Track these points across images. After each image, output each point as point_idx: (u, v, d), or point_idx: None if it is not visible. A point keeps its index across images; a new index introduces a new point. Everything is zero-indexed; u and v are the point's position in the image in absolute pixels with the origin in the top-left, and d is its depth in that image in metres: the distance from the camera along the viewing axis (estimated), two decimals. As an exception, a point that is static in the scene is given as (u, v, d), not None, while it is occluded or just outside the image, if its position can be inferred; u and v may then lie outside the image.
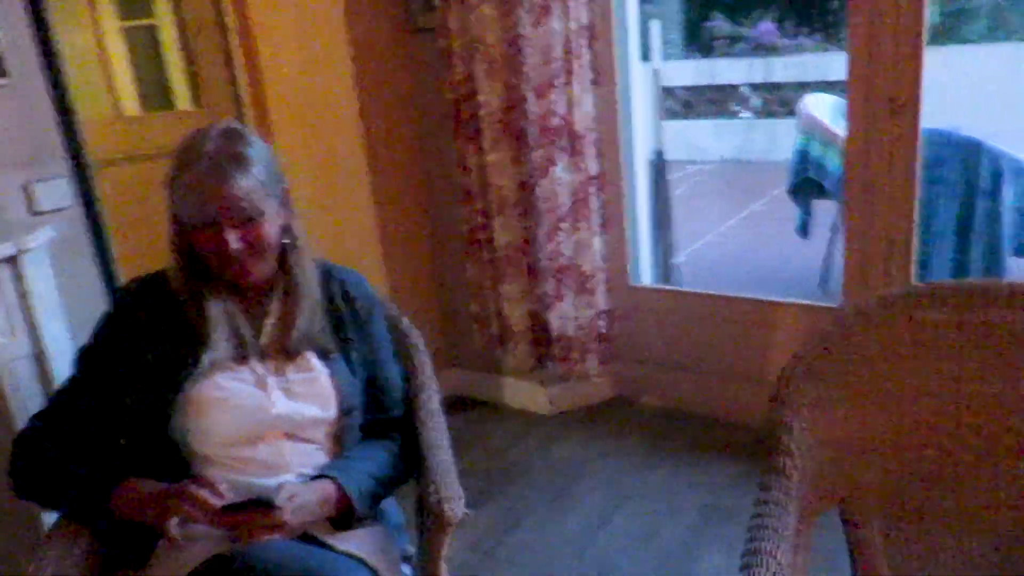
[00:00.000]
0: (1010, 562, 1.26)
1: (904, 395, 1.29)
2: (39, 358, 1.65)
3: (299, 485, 1.29)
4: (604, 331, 2.75)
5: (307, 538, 1.27)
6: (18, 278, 1.58)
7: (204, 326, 1.37)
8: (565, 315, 2.68)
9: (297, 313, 1.43)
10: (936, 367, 1.26)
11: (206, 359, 1.34)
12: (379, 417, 1.50)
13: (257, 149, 1.37)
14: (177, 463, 1.31)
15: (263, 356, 1.41)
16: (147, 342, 1.37)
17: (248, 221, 1.34)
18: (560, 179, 2.55)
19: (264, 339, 1.42)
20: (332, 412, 1.41)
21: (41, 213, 1.93)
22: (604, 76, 2.58)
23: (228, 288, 1.41)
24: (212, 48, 2.93)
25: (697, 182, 7.76)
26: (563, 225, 2.59)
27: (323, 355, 1.43)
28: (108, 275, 2.17)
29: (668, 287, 3.20)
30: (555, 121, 2.50)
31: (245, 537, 1.18)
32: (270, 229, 1.38)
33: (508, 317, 2.76)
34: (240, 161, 1.32)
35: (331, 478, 1.32)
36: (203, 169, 1.30)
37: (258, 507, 1.18)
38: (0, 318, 1.56)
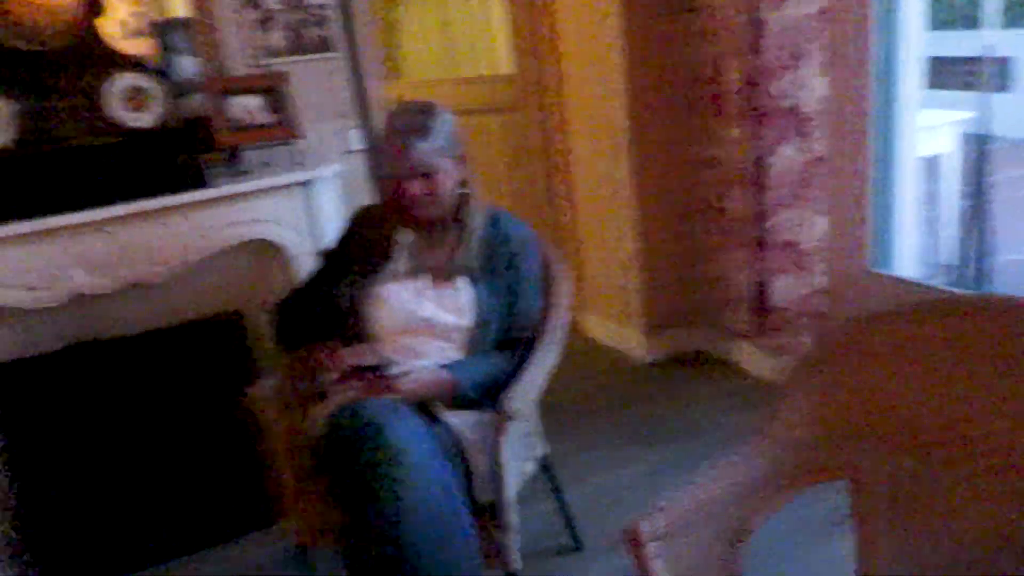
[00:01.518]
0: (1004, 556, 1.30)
1: (911, 393, 1.37)
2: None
3: (419, 366, 1.79)
4: (823, 310, 2.81)
5: (423, 407, 1.77)
6: (309, 196, 2.29)
7: (391, 247, 1.92)
8: (783, 288, 2.80)
9: (460, 247, 1.91)
10: (937, 374, 1.33)
11: (387, 271, 1.89)
12: (511, 334, 1.93)
13: (439, 121, 1.84)
14: (359, 336, 1.89)
15: (427, 274, 1.92)
16: (357, 251, 1.95)
17: (425, 175, 1.83)
18: (788, 158, 2.66)
19: (431, 263, 1.92)
20: (467, 322, 1.87)
21: (351, 152, 2.65)
22: (848, 57, 2.59)
23: (414, 222, 1.94)
24: (521, 20, 3.48)
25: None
26: (787, 202, 2.70)
27: (471, 280, 1.90)
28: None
29: (924, 282, 3.07)
30: (787, 102, 2.61)
31: (366, 392, 1.72)
32: (444, 181, 1.86)
33: (733, 283, 2.96)
34: (422, 130, 1.81)
35: (448, 368, 1.79)
36: (395, 134, 1.82)
37: (378, 374, 1.70)
38: (296, 222, 2.28)
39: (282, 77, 2.37)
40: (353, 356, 1.75)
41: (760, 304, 2.90)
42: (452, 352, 1.88)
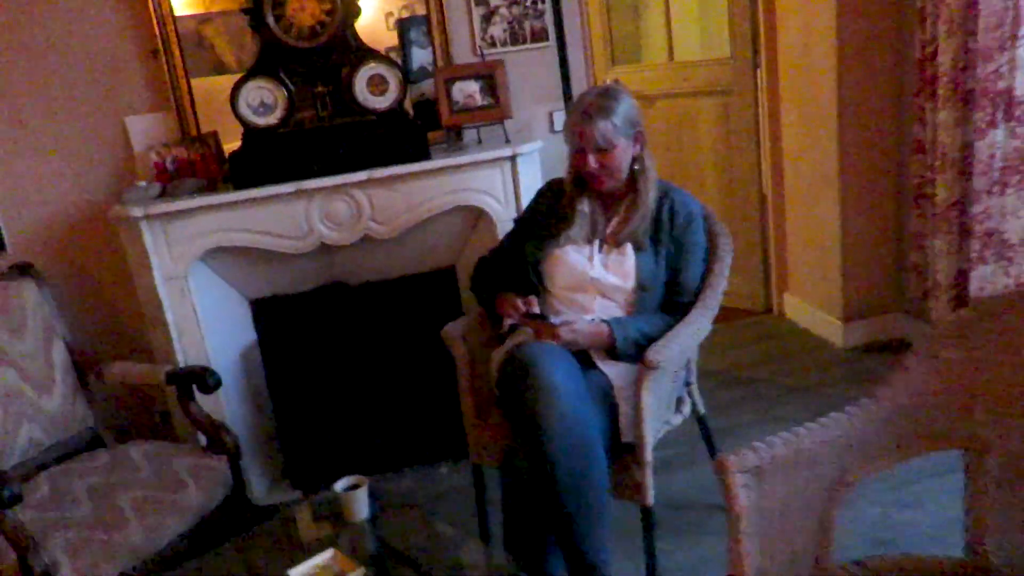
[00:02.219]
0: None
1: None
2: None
3: (581, 320, 2.05)
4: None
5: (584, 354, 2.04)
6: (513, 170, 2.61)
7: (572, 215, 2.19)
8: (984, 278, 2.70)
9: (631, 218, 2.15)
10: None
11: (565, 236, 2.17)
12: (672, 298, 2.13)
13: (621, 103, 2.08)
14: (539, 291, 2.19)
15: (601, 241, 2.17)
16: (543, 217, 2.25)
17: (602, 150, 2.08)
18: (996, 144, 2.56)
19: (605, 230, 2.17)
20: (630, 285, 2.10)
21: (556, 132, 2.94)
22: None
23: (595, 194, 2.19)
24: (741, 8, 3.57)
25: None
26: (994, 189, 2.61)
27: (637, 247, 2.12)
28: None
29: None
30: (999, 85, 2.51)
31: (536, 336, 2.01)
32: (619, 157, 2.10)
33: (936, 271, 2.88)
34: (602, 110, 2.06)
35: (608, 323, 2.04)
36: (579, 113, 2.08)
37: (545, 321, 1.99)
38: (500, 192, 2.62)
39: (498, 65, 2.71)
40: (527, 306, 2.05)
41: (960, 294, 2.81)
42: (616, 310, 2.12)
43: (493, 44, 2.84)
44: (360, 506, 1.66)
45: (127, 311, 2.71)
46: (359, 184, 2.55)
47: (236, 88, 2.48)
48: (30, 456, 2.32)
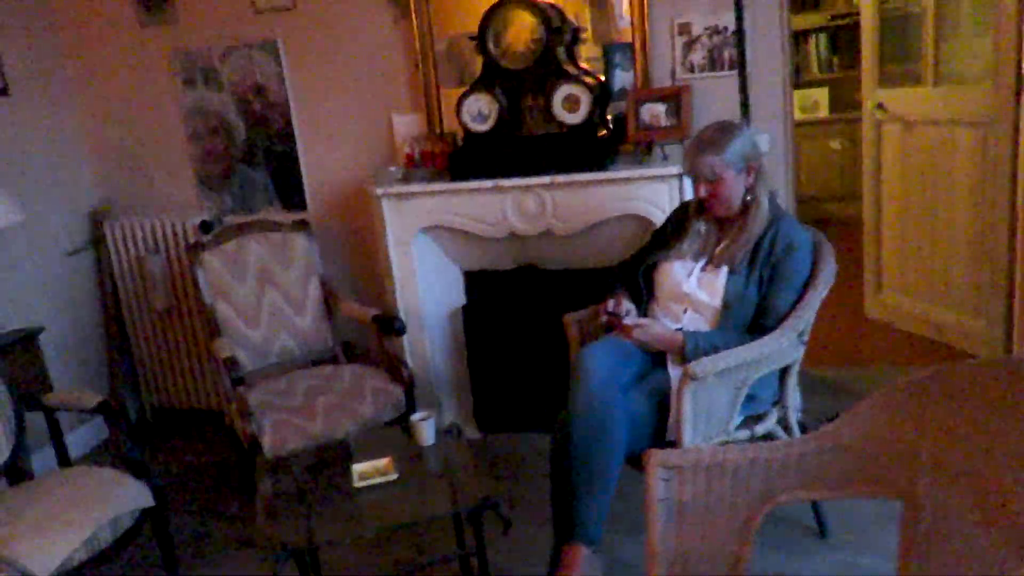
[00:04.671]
0: None
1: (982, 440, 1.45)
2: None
3: (658, 324, 2.32)
4: None
5: (659, 354, 2.32)
6: (680, 186, 2.88)
7: (686, 233, 2.46)
8: None
9: (737, 242, 2.36)
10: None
11: (676, 249, 2.45)
12: (759, 321, 2.31)
13: (734, 138, 2.31)
14: (642, 296, 2.50)
15: (708, 259, 2.40)
16: (669, 232, 2.54)
17: (710, 181, 2.32)
18: None
19: (712, 250, 2.40)
20: (716, 302, 2.32)
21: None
22: None
23: (712, 217, 2.43)
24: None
25: None
26: None
27: (731, 269, 2.33)
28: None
29: None
30: None
31: (615, 332, 2.34)
32: (728, 188, 2.32)
33: None
34: (713, 144, 2.30)
35: (685, 332, 2.29)
36: (693, 146, 2.35)
37: (621, 319, 2.31)
38: (667, 204, 2.91)
39: (685, 89, 2.98)
40: (616, 306, 2.38)
41: None
42: (701, 323, 2.36)
43: (692, 70, 3.10)
44: (428, 433, 2.19)
45: (373, 264, 3.50)
46: (544, 186, 3.02)
47: (461, 99, 3.09)
48: (284, 359, 3.22)
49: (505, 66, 3.04)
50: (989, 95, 3.47)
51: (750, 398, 2.32)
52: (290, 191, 3.68)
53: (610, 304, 2.40)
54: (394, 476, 2.01)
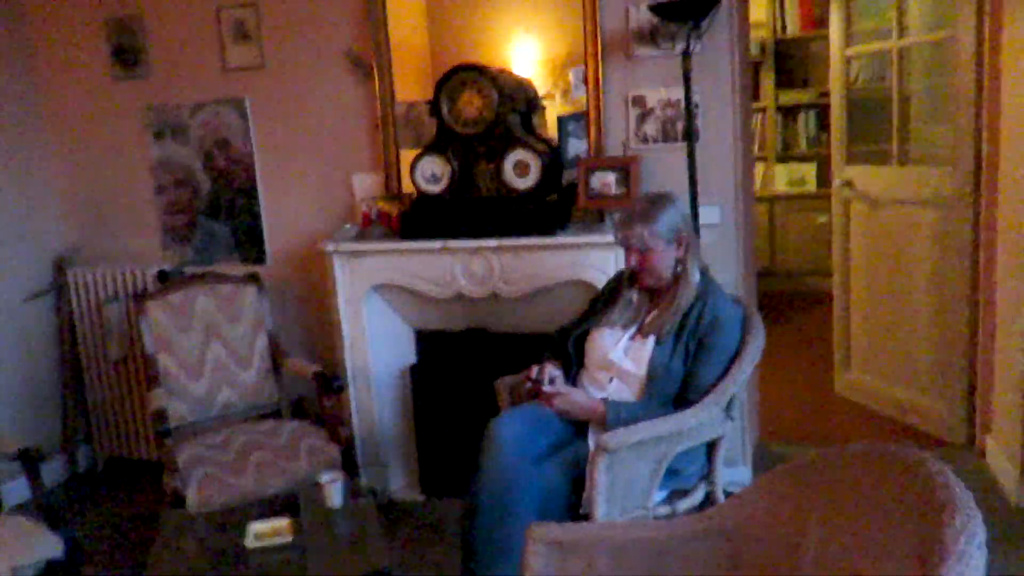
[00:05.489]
0: None
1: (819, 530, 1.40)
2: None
3: (579, 393, 2.28)
4: None
5: (582, 423, 2.27)
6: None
7: (616, 301, 2.44)
8: None
9: (663, 315, 2.33)
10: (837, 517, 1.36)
11: (606, 318, 2.43)
12: (683, 394, 2.26)
13: (664, 211, 2.31)
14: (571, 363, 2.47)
15: (637, 329, 2.38)
16: (603, 300, 2.52)
17: (641, 252, 2.31)
18: None
19: (641, 319, 2.38)
20: (641, 372, 2.29)
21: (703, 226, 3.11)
22: None
23: (644, 287, 2.41)
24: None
25: None
26: None
27: (657, 341, 2.30)
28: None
29: None
30: None
31: (536, 399, 2.30)
32: (656, 259, 2.31)
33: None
34: (644, 215, 2.30)
35: (608, 403, 2.25)
36: (624, 217, 2.35)
37: (542, 387, 2.27)
38: (613, 271, 2.89)
39: (634, 160, 3.00)
40: (538, 372, 2.35)
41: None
42: (627, 393, 2.33)
43: (645, 140, 3.12)
44: (335, 496, 2.14)
45: (328, 321, 3.48)
46: (492, 249, 3.03)
47: (415, 161, 3.12)
48: (226, 412, 3.18)
49: (458, 131, 3.07)
50: (949, 177, 3.47)
51: (674, 472, 2.27)
52: (251, 244, 3.69)
53: (534, 371, 2.37)
54: (288, 539, 1.96)
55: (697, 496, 2.35)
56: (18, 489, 3.53)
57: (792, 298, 6.17)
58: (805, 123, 6.66)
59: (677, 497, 2.33)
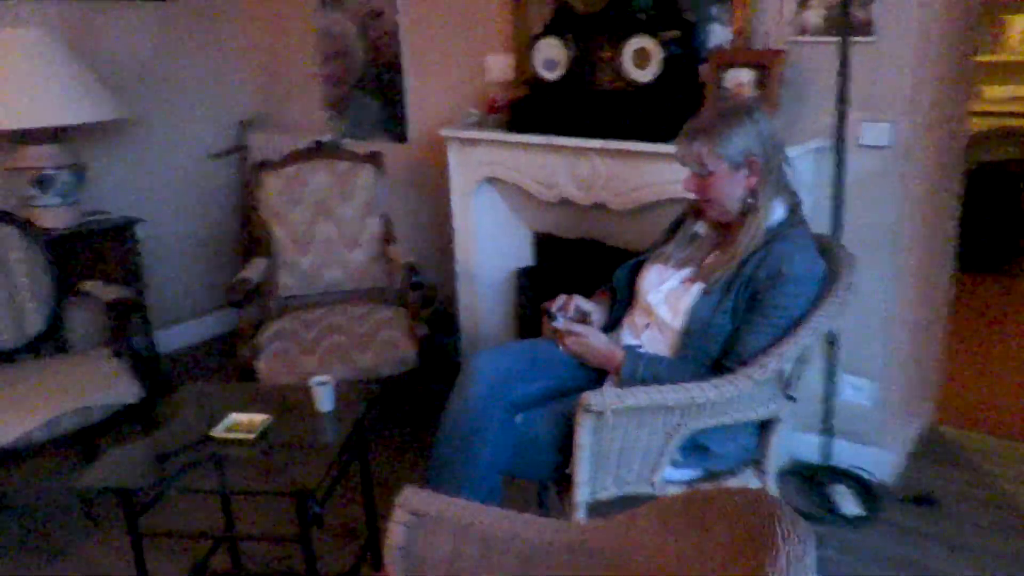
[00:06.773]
0: None
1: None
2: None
3: (600, 337, 1.92)
4: None
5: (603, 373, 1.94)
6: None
7: (677, 233, 2.01)
8: None
9: (721, 256, 1.88)
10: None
11: (660, 251, 2.02)
12: (724, 359, 1.82)
13: (736, 125, 1.82)
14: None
15: (691, 269, 1.94)
16: (668, 229, 2.10)
17: (701, 175, 1.86)
18: None
19: (700, 260, 1.94)
20: (677, 324, 1.88)
21: (864, 147, 2.46)
22: None
23: (707, 217, 1.95)
24: None
25: None
26: None
27: (704, 289, 1.86)
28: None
29: None
30: None
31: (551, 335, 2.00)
32: (717, 186, 1.85)
33: None
34: (707, 131, 1.84)
35: (629, 352, 1.88)
36: (687, 128, 1.88)
37: (555, 324, 1.95)
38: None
39: (778, 56, 2.40)
40: (566, 303, 2.02)
41: None
42: (661, 346, 1.94)
43: (803, 31, 2.48)
44: (324, 399, 2.03)
45: (442, 212, 3.34)
46: (595, 151, 2.64)
47: (531, 43, 2.78)
48: (330, 291, 3.21)
49: (578, 8, 2.66)
50: None
51: (702, 449, 1.87)
52: (395, 122, 3.61)
53: (556, 302, 2.04)
54: (251, 436, 1.90)
55: (740, 483, 1.93)
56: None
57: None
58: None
59: (711, 480, 1.93)
